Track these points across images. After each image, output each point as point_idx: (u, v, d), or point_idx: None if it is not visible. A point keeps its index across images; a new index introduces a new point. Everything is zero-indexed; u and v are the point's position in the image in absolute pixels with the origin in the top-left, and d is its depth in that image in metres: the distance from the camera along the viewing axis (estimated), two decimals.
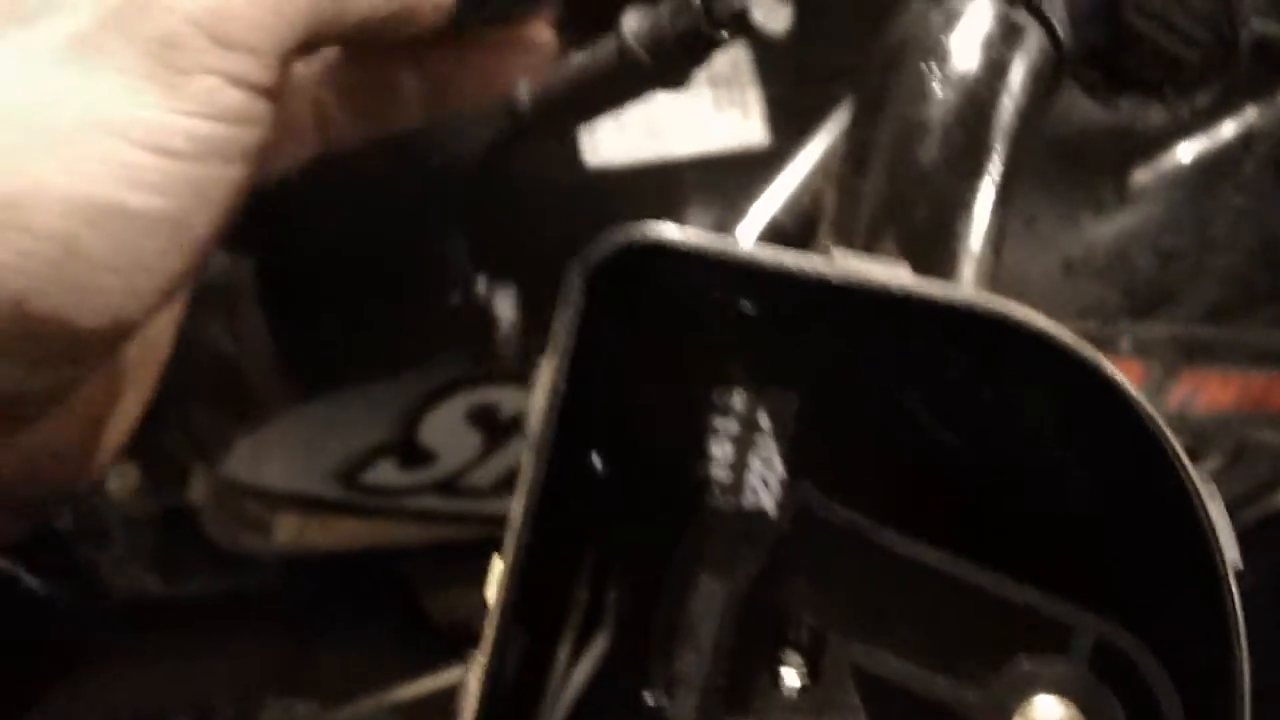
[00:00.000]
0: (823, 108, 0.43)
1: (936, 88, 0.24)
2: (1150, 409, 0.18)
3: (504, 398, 0.47)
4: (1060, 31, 0.25)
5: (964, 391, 0.18)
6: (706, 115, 0.48)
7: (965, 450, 0.18)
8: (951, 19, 0.25)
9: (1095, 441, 0.18)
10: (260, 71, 0.25)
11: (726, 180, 0.44)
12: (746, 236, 0.26)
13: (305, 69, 0.33)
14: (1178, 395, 0.56)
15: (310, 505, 0.47)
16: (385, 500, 0.47)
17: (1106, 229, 0.52)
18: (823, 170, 0.27)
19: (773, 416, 0.18)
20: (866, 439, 0.18)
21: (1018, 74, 0.25)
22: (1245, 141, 0.51)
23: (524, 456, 0.18)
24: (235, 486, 0.46)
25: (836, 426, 0.18)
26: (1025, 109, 0.25)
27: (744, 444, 0.18)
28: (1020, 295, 0.47)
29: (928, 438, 0.18)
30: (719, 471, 0.18)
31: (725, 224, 0.43)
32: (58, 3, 0.24)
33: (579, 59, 0.30)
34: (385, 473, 0.46)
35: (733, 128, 0.48)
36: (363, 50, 0.32)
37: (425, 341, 0.47)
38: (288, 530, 0.48)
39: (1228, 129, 0.51)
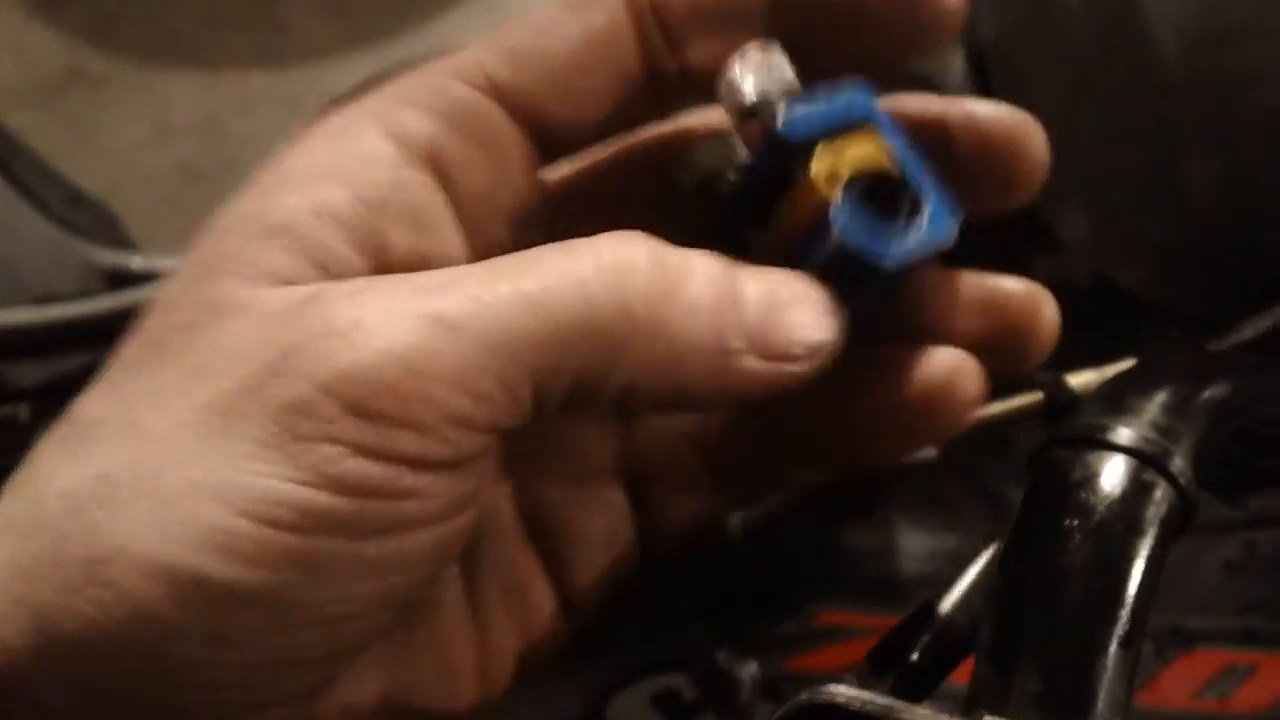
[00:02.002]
0: None
1: (1077, 539, 0.28)
2: None
3: (684, 684, 0.51)
4: (1187, 488, 0.29)
5: None
6: None
7: None
8: (1090, 477, 0.29)
9: None
10: (420, 444, 0.23)
11: None
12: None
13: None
14: None
15: None
16: None
17: (1268, 529, 0.54)
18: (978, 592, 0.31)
19: None
20: None
21: (1149, 528, 0.29)
22: None
23: None
24: None
25: None
26: (1154, 558, 0.28)
27: None
28: (1184, 596, 0.50)
29: None
30: None
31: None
32: (223, 364, 0.24)
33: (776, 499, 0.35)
34: None
35: None
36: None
37: (618, 628, 0.51)
38: None
39: None
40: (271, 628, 0.23)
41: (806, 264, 0.27)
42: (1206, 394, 0.31)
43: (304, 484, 0.22)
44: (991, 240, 0.32)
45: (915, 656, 0.29)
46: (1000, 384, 0.48)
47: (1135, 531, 0.28)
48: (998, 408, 0.34)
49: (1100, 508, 0.29)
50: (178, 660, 0.23)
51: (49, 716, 0.23)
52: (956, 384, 0.29)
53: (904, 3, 0.27)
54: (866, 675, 0.29)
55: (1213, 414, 0.31)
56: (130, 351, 0.25)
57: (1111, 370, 0.33)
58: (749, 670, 0.45)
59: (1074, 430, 0.30)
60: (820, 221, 0.26)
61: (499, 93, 0.27)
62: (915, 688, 0.29)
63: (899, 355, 0.30)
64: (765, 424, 0.32)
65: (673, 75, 0.28)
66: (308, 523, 0.23)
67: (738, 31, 0.28)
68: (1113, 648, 0.27)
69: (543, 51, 0.27)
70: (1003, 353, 0.30)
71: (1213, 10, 0.39)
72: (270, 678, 0.24)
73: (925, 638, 0.30)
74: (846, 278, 0.27)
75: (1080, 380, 0.33)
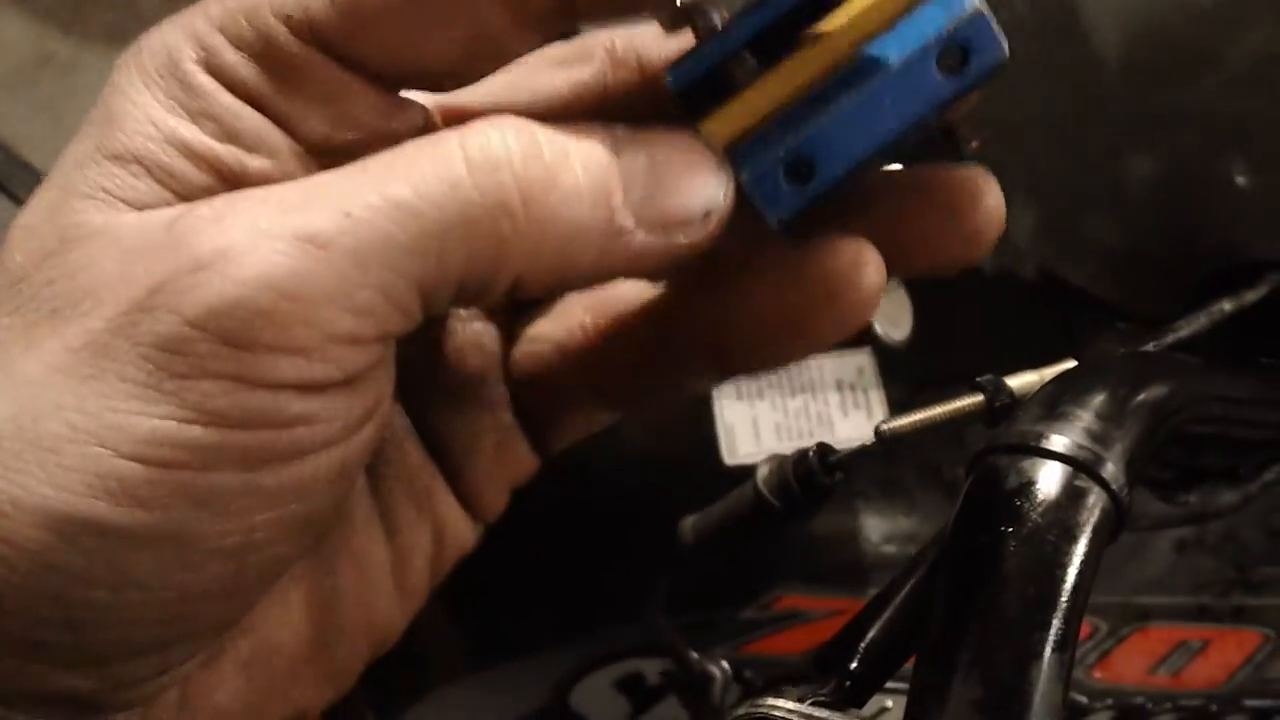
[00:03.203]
0: None
1: (1012, 546, 0.29)
2: None
3: (648, 667, 0.52)
4: (1119, 493, 0.30)
5: None
6: (834, 417, 0.53)
7: None
8: (1025, 484, 0.30)
9: None
10: (306, 368, 0.23)
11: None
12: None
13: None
14: None
15: None
16: None
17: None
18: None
19: None
20: None
21: (1082, 534, 0.29)
22: None
23: None
24: None
25: None
26: (1087, 563, 0.29)
27: None
28: (1136, 574, 0.51)
29: None
30: None
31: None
32: (87, 300, 0.23)
33: (722, 505, 0.36)
34: None
35: (858, 429, 0.53)
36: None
37: (589, 613, 0.52)
38: None
39: None
40: (175, 565, 0.23)
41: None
42: (1141, 397, 0.32)
43: (188, 421, 0.22)
44: None
45: (855, 664, 0.30)
46: (939, 384, 0.50)
47: (1068, 538, 0.29)
48: (939, 410, 0.34)
49: (1034, 515, 0.29)
50: (85, 605, 0.23)
51: None
52: (856, 275, 0.27)
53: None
54: (809, 681, 0.30)
55: (1147, 418, 0.31)
56: None
57: (1051, 372, 0.34)
58: (718, 659, 0.45)
59: (1009, 437, 0.30)
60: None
61: (322, 41, 0.25)
62: (856, 693, 0.29)
63: (797, 248, 0.28)
64: (648, 329, 0.31)
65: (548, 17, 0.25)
66: (197, 459, 0.22)
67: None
68: (1048, 652, 0.28)
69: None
70: (942, 240, 0.29)
71: (1151, 11, 0.40)
72: (181, 613, 0.24)
73: (865, 643, 0.30)
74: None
75: (1020, 382, 0.34)
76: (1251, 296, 0.37)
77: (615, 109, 0.28)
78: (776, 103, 0.26)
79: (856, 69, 0.26)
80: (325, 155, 0.26)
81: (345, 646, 0.30)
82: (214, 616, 0.25)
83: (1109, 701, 0.56)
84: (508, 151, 0.23)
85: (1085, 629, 0.58)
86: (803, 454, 0.35)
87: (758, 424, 0.52)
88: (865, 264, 0.27)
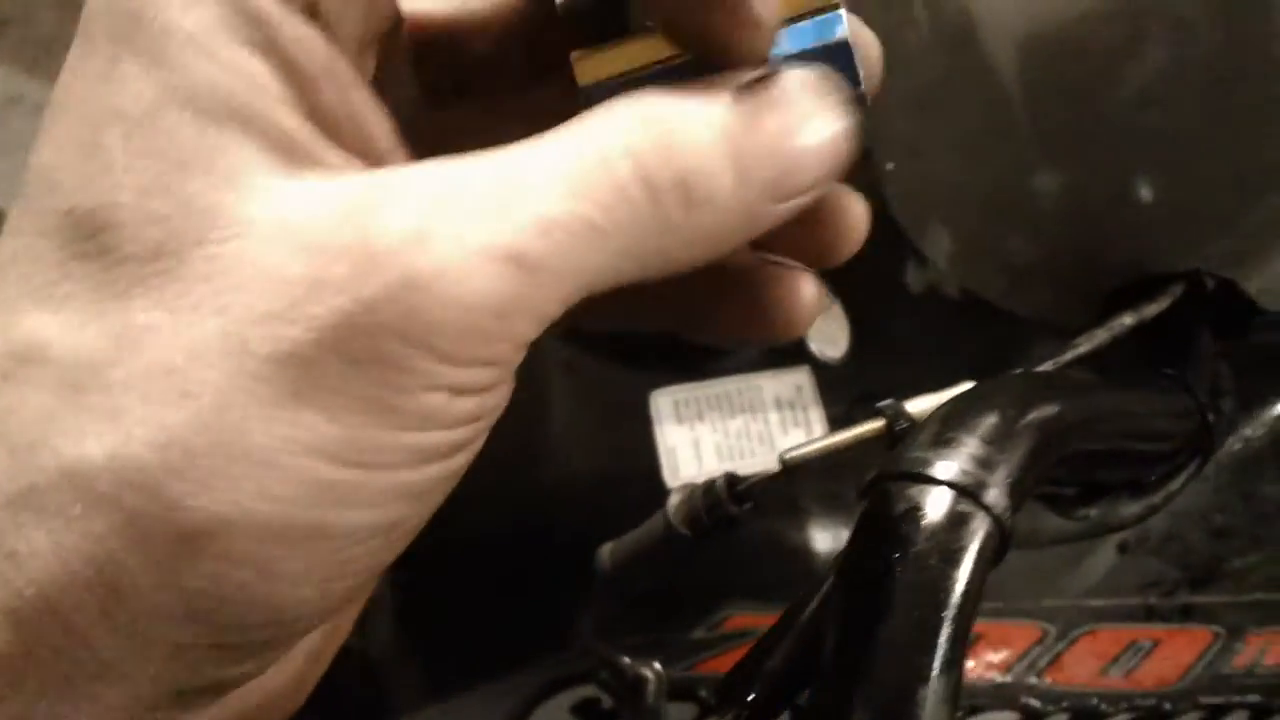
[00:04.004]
0: None
1: (899, 572, 0.30)
2: None
3: (601, 693, 0.53)
4: (1002, 517, 0.30)
5: None
6: (775, 436, 0.54)
7: None
8: (911, 510, 0.31)
9: None
10: (498, 374, 0.24)
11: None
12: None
13: None
14: (1245, 656, 0.59)
15: None
16: None
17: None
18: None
19: None
20: None
21: (965, 558, 0.30)
22: None
23: None
24: None
25: None
26: (971, 586, 0.30)
27: None
28: (1081, 577, 0.52)
29: None
30: None
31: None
32: (281, 304, 0.22)
33: (636, 534, 0.37)
34: None
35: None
36: None
37: (543, 640, 0.53)
38: None
39: (1272, 416, 0.55)
40: (381, 552, 0.24)
41: None
42: (1028, 419, 0.32)
43: (409, 430, 0.23)
44: (862, 253, 0.33)
45: (754, 693, 0.30)
46: (877, 400, 0.50)
47: (952, 562, 0.30)
48: (840, 437, 0.35)
49: (919, 540, 0.30)
50: (292, 603, 0.23)
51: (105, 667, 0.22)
52: (810, 306, 0.31)
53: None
54: (713, 712, 0.31)
55: (1033, 439, 0.32)
56: (102, 271, 0.22)
57: (949, 394, 0.34)
58: (653, 671, 0.46)
59: (898, 464, 0.31)
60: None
61: None
62: None
63: (756, 273, 0.31)
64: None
65: None
66: (416, 460, 0.23)
67: None
68: (934, 675, 0.29)
69: None
70: (817, 246, 0.31)
71: (1050, 26, 0.40)
72: (365, 586, 0.25)
73: (765, 670, 0.31)
74: None
75: (920, 407, 0.34)
76: (1152, 310, 0.38)
77: None
78: (650, 60, 0.27)
79: None
80: (360, 53, 0.26)
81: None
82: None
83: (1064, 704, 0.56)
84: (675, 170, 0.24)
85: (1034, 634, 0.59)
86: (710, 484, 0.36)
87: (699, 446, 0.53)
88: (808, 284, 0.31)
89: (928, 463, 0.31)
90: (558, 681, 0.53)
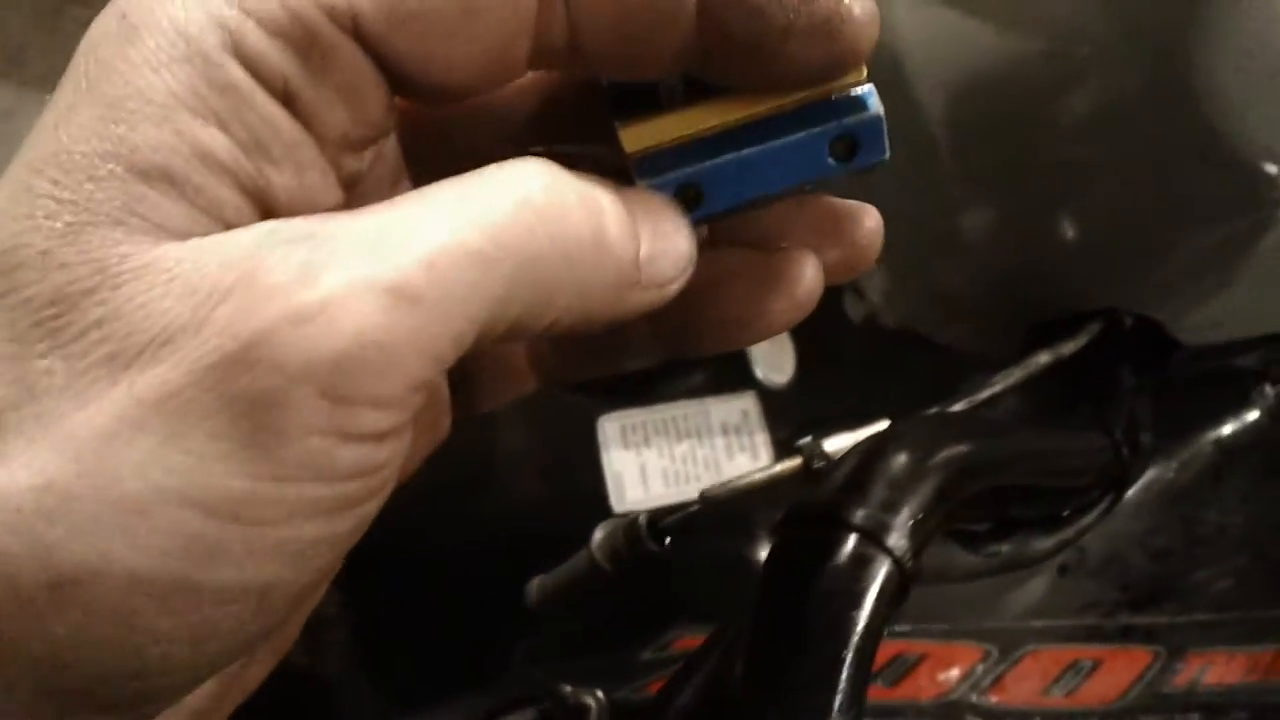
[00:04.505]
0: None
1: (802, 613, 0.31)
2: None
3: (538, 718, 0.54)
4: (903, 559, 0.31)
5: None
6: (721, 461, 0.55)
7: None
8: (815, 553, 0.32)
9: None
10: (388, 419, 0.23)
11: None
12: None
13: None
14: (1186, 675, 0.60)
15: None
16: None
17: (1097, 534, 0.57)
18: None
19: None
20: None
21: (866, 600, 0.31)
22: (1224, 452, 0.56)
23: None
24: None
25: None
26: (872, 626, 0.31)
27: None
28: (1021, 599, 0.53)
29: None
30: None
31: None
32: (164, 348, 0.22)
33: (565, 568, 0.38)
34: None
35: (743, 470, 0.55)
36: None
37: (492, 663, 0.54)
38: None
39: (1206, 442, 0.56)
40: (254, 616, 0.23)
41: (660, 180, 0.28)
42: (935, 460, 0.33)
43: (286, 479, 0.22)
44: None
45: None
46: (822, 425, 0.51)
47: (853, 604, 0.31)
48: (759, 475, 0.36)
49: (822, 583, 0.31)
50: (158, 659, 0.22)
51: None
52: (807, 273, 0.30)
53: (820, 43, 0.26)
54: None
55: (938, 481, 0.33)
56: (8, 310, 0.23)
57: (865, 434, 0.35)
58: (594, 699, 0.47)
59: (805, 508, 0.32)
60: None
61: (361, 33, 0.25)
62: None
63: (752, 260, 0.31)
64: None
65: (560, 56, 0.27)
66: (291, 515, 0.22)
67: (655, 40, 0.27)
68: (835, 712, 0.30)
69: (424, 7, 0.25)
70: (837, 260, 0.31)
71: (976, 68, 0.41)
72: (236, 654, 0.24)
73: (678, 706, 0.32)
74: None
75: (837, 445, 0.35)
76: (1069, 348, 0.39)
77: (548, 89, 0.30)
78: (690, 132, 0.28)
79: (765, 128, 0.28)
80: (342, 150, 0.26)
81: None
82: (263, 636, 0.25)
83: None
84: (565, 199, 0.25)
85: (976, 654, 0.60)
86: (632, 521, 0.37)
87: (645, 470, 0.54)
88: (813, 265, 0.30)
89: (835, 505, 0.32)
90: (509, 704, 0.54)
